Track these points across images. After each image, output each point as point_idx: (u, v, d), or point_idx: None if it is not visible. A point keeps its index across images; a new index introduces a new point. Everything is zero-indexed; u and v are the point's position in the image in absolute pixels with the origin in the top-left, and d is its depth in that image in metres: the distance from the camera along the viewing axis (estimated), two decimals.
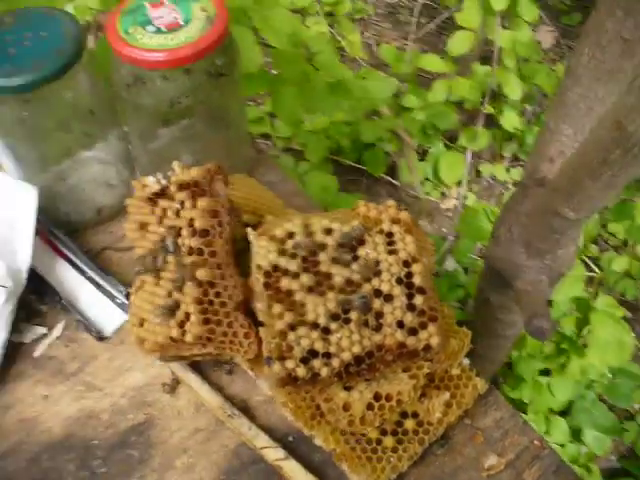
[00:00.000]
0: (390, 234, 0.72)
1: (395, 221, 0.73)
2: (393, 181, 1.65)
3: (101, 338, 0.83)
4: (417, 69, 1.60)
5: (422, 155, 1.77)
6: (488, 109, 1.63)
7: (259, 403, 0.78)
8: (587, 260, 1.14)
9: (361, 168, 1.67)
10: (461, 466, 0.75)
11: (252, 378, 0.79)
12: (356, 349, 0.66)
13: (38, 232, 0.86)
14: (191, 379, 0.78)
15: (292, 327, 0.67)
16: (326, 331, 0.67)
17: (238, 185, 0.85)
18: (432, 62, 1.55)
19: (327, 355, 0.66)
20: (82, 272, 0.86)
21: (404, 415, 0.72)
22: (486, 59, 1.61)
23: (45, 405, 0.79)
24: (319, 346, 0.66)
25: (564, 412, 1.39)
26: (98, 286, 0.85)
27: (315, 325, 0.67)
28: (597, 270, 1.13)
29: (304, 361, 0.65)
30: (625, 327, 1.10)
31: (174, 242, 0.75)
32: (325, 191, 1.42)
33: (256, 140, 0.99)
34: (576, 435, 1.41)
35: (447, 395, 0.72)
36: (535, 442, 0.76)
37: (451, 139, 1.79)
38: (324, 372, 0.65)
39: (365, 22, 1.95)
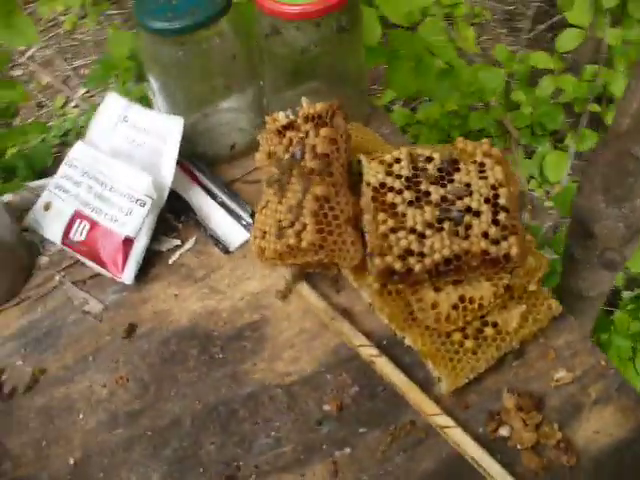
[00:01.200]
0: (482, 164, 0.82)
1: (487, 154, 0.83)
2: None
3: (226, 251, 0.96)
4: (529, 68, 1.69)
5: (529, 154, 1.85)
6: (593, 107, 1.70)
7: (359, 312, 0.89)
8: None
9: None
10: (533, 377, 0.83)
11: (355, 289, 0.90)
12: (446, 251, 0.76)
13: (179, 162, 1.02)
14: (301, 286, 0.90)
15: (393, 230, 0.78)
16: (422, 236, 0.78)
17: (355, 131, 0.98)
18: (541, 59, 1.63)
19: (421, 254, 0.77)
20: (214, 197, 1.00)
21: (485, 323, 0.82)
22: (600, 62, 1.68)
23: (175, 302, 0.93)
24: (415, 247, 0.77)
25: None
26: (227, 209, 0.99)
27: (413, 230, 0.78)
28: None
29: (401, 258, 0.76)
30: None
31: (298, 164, 0.88)
32: None
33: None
34: None
35: (523, 307, 0.81)
36: (602, 362, 0.84)
37: (559, 140, 1.86)
38: (417, 268, 0.76)
39: (482, 26, 2.06)
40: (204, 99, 1.01)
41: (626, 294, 1.54)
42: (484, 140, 0.85)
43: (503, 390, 0.82)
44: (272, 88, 1.01)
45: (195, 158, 1.03)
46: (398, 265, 0.76)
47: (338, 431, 0.81)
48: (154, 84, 0.98)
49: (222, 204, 0.99)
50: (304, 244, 0.84)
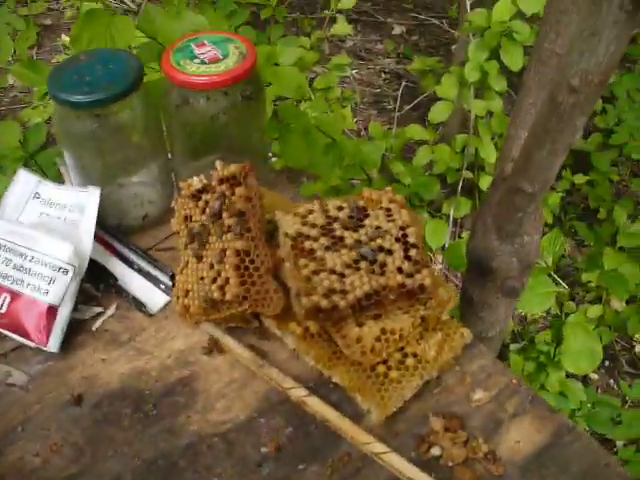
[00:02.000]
0: (389, 209, 0.91)
1: (392, 201, 0.92)
2: None
3: (149, 315, 0.99)
4: (404, 142, 1.83)
5: None
6: (467, 175, 1.86)
7: (284, 359, 0.94)
8: (556, 277, 1.31)
9: None
10: (454, 401, 0.90)
11: (278, 340, 0.95)
12: (366, 287, 0.83)
13: (95, 234, 1.05)
14: (227, 339, 0.94)
15: (315, 273, 0.84)
16: (342, 275, 0.84)
17: (263, 193, 1.05)
18: (415, 131, 1.78)
19: (343, 292, 0.83)
20: (130, 264, 1.03)
21: (405, 355, 0.88)
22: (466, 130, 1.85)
23: (103, 366, 0.94)
24: (337, 285, 0.83)
25: None
26: (144, 274, 1.02)
27: (333, 271, 0.84)
28: (565, 287, 1.31)
29: (326, 296, 0.83)
30: (596, 337, 1.26)
31: (216, 223, 0.93)
32: None
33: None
34: None
35: (439, 335, 0.89)
36: (513, 381, 0.92)
37: (436, 209, 2.00)
38: (342, 304, 0.82)
39: (353, 110, 2.21)
40: (116, 172, 1.05)
41: (513, 347, 1.65)
42: (387, 188, 0.93)
43: (429, 415, 0.88)
44: (181, 158, 1.07)
45: (109, 228, 1.06)
46: (324, 303, 0.82)
47: (278, 470, 0.85)
48: (68, 159, 1.02)
49: (139, 271, 1.03)
50: (228, 296, 0.89)
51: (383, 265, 0.85)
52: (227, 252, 0.91)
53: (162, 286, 1.02)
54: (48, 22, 3.12)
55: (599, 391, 1.88)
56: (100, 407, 0.90)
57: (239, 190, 0.93)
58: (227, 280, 0.90)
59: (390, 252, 0.86)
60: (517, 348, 1.69)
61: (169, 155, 1.10)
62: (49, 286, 0.94)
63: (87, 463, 0.85)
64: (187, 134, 1.02)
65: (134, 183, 1.08)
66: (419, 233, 0.90)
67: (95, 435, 0.88)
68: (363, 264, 0.85)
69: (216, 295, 0.90)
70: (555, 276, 1.30)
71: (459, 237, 2.05)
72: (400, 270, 0.85)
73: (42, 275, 0.95)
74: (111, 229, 1.07)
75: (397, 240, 0.87)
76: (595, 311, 1.72)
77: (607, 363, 1.97)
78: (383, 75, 2.33)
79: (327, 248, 0.87)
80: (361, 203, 0.91)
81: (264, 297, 0.90)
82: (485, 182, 1.88)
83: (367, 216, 0.90)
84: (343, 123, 1.80)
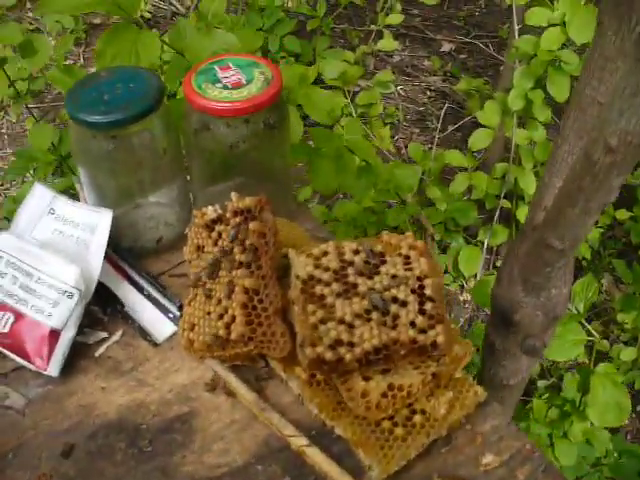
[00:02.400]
0: (407, 256, 0.86)
1: (412, 247, 0.87)
2: None
3: (154, 344, 0.96)
4: (442, 165, 1.78)
5: (443, 249, 1.93)
6: (505, 203, 1.80)
7: (287, 403, 0.90)
8: (588, 326, 1.25)
9: None
10: (462, 462, 0.85)
11: (283, 382, 0.91)
12: (375, 341, 0.79)
13: (106, 255, 1.02)
14: (230, 378, 0.91)
15: (322, 321, 0.80)
16: (351, 326, 0.80)
17: (280, 225, 1.01)
18: (454, 157, 1.72)
19: (351, 344, 0.79)
20: (141, 290, 1.00)
21: (413, 411, 0.84)
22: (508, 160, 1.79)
23: (102, 395, 0.92)
24: (344, 337, 0.79)
25: None
26: (154, 302, 0.99)
27: (342, 321, 0.80)
28: (597, 336, 1.25)
29: (332, 348, 0.78)
30: (624, 390, 1.20)
31: (227, 257, 0.89)
32: None
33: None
34: None
35: (450, 394, 0.84)
36: (527, 446, 0.86)
37: (472, 235, 1.95)
38: (348, 357, 0.78)
39: (395, 127, 2.16)
40: (132, 192, 1.02)
41: (541, 383, 1.59)
42: (408, 233, 0.89)
43: (433, 476, 0.83)
44: (199, 183, 1.04)
45: (121, 251, 1.03)
46: (329, 355, 0.78)
47: None
48: (83, 176, 0.99)
49: (149, 297, 1.00)
50: (233, 335, 0.85)
51: (396, 317, 0.81)
52: (236, 289, 0.88)
53: (170, 315, 0.98)
54: (97, 21, 3.13)
55: (628, 437, 1.80)
56: (95, 439, 0.87)
57: (253, 225, 0.89)
58: (234, 318, 0.87)
59: (404, 304, 0.82)
60: (544, 384, 1.63)
61: (188, 177, 1.06)
62: (53, 309, 0.92)
63: None
64: (206, 159, 0.99)
65: (151, 203, 1.05)
66: (438, 284, 0.85)
67: (86, 468, 0.85)
68: (374, 315, 0.81)
69: (221, 333, 0.87)
70: (585, 323, 1.24)
71: (494, 266, 1.99)
72: (413, 324, 0.80)
73: (47, 297, 0.92)
74: (123, 251, 1.04)
75: (413, 291, 0.83)
76: (629, 354, 1.65)
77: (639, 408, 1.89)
78: (428, 93, 2.27)
79: (338, 295, 0.83)
80: (379, 248, 0.87)
81: (270, 340, 0.87)
82: (523, 212, 1.82)
83: (384, 262, 0.86)
84: (381, 143, 1.75)
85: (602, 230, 1.93)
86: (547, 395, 1.50)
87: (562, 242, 0.84)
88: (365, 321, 0.80)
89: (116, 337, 0.97)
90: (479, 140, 1.58)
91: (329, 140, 1.28)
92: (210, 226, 0.93)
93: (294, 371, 0.87)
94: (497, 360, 1.10)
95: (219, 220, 0.92)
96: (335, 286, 0.83)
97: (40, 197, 1.02)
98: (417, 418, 0.83)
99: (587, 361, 1.29)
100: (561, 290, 0.95)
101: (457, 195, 1.72)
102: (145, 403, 0.91)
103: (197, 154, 0.99)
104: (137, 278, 1.01)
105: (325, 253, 0.87)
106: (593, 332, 1.26)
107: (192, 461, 0.86)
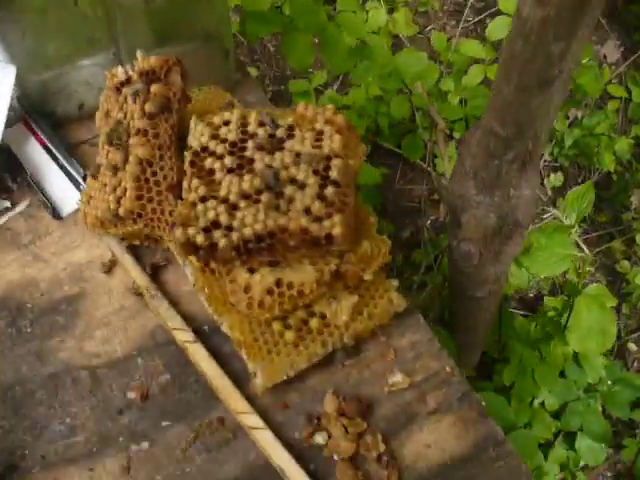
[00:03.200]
0: (321, 132, 0.73)
1: (329, 122, 0.74)
2: (428, 169, 1.64)
3: (57, 217, 0.86)
4: (466, 60, 1.59)
5: None
6: None
7: (185, 292, 0.80)
8: (581, 243, 1.09)
9: (400, 154, 1.67)
10: (366, 379, 0.74)
11: (182, 269, 0.81)
12: (258, 226, 0.66)
13: (24, 119, 0.92)
14: (126, 260, 0.81)
15: (203, 200, 0.68)
16: (234, 207, 0.68)
17: (207, 94, 0.88)
18: (471, 48, 1.53)
19: (229, 228, 0.67)
20: (55, 159, 0.90)
21: (311, 314, 0.72)
22: None
23: None
24: (223, 219, 0.67)
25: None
26: (67, 173, 0.89)
27: (225, 200, 0.68)
28: (587, 252, 1.09)
29: (206, 231, 0.67)
30: (610, 315, 1.05)
31: (124, 125, 0.78)
32: None
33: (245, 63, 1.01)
34: (569, 441, 1.35)
35: (355, 298, 0.71)
36: (447, 368, 0.74)
37: None
38: (222, 243, 0.66)
39: (429, 16, 1.96)
40: (62, 57, 0.91)
41: (548, 300, 1.44)
42: (329, 105, 0.75)
43: (327, 391, 0.72)
44: (127, 51, 0.91)
45: (40, 116, 0.92)
46: (200, 239, 0.66)
47: (139, 422, 0.72)
48: None
49: (62, 167, 0.89)
50: (121, 211, 0.75)
51: (290, 201, 0.68)
52: (129, 159, 0.76)
53: (82, 187, 0.88)
54: None
55: (635, 365, 1.64)
56: None
57: (154, 87, 0.77)
58: (125, 191, 0.76)
59: (303, 186, 0.69)
60: (551, 301, 1.48)
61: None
62: None
63: None
64: (129, 20, 0.86)
65: (84, 66, 0.93)
66: (352, 167, 0.72)
67: None
68: (265, 196, 0.68)
69: (112, 207, 0.76)
70: (576, 237, 1.08)
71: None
72: (308, 211, 0.68)
73: None
74: (43, 117, 0.93)
75: (315, 172, 0.70)
76: None
77: None
78: None
79: (230, 170, 0.70)
80: (289, 120, 0.74)
81: (159, 218, 0.76)
82: None
83: (292, 137, 0.72)
84: (394, 28, 1.57)
85: (632, 142, 1.72)
86: (552, 313, 1.36)
87: (503, 128, 0.69)
88: (252, 203, 0.68)
89: (20, 208, 0.88)
90: (497, 28, 1.39)
91: (309, 11, 1.13)
92: (119, 89, 0.81)
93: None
94: (458, 267, 0.97)
95: (127, 82, 0.81)
96: (228, 160, 0.71)
97: None
98: (313, 322, 0.72)
99: (577, 279, 1.14)
100: (522, 192, 0.80)
101: (472, 89, 1.54)
102: (36, 280, 0.82)
103: (119, 13, 0.86)
104: (51, 146, 0.91)
105: (227, 122, 0.74)
106: (584, 247, 1.10)
107: (70, 347, 0.77)
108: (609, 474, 1.44)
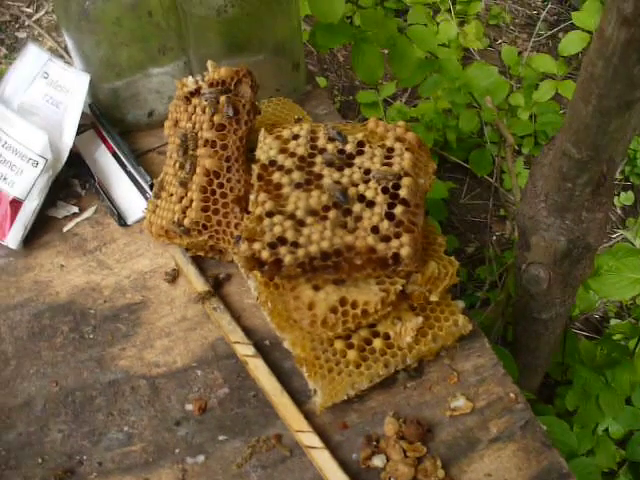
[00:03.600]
0: (391, 149, 0.71)
1: (399, 139, 0.72)
2: (495, 184, 1.61)
3: (123, 224, 0.87)
4: (538, 74, 1.56)
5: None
6: None
7: (247, 306, 0.79)
8: None
9: (467, 168, 1.65)
10: (428, 402, 0.72)
11: (246, 282, 0.80)
12: (325, 244, 0.65)
13: (94, 127, 0.93)
14: (189, 269, 0.81)
15: (270, 214, 0.68)
16: (301, 224, 0.67)
17: (277, 106, 0.88)
18: (542, 62, 1.50)
19: (295, 245, 0.66)
20: (123, 166, 0.91)
21: (375, 334, 0.71)
22: None
23: (59, 273, 0.84)
24: (290, 235, 0.66)
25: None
26: (135, 181, 0.90)
27: (292, 216, 0.67)
28: None
29: (272, 246, 0.66)
30: None
31: (193, 135, 0.78)
32: None
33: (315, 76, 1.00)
34: (634, 471, 1.30)
35: (420, 320, 0.70)
36: (510, 395, 0.72)
37: None
38: (287, 259, 0.65)
39: (500, 29, 1.92)
40: (134, 65, 0.92)
41: (614, 322, 1.40)
42: (400, 122, 0.74)
43: (387, 413, 0.71)
44: (197, 61, 0.91)
45: (111, 124, 0.93)
46: (265, 254, 0.65)
47: (196, 435, 0.72)
48: (68, 41, 0.89)
49: (130, 175, 0.90)
50: (186, 222, 0.75)
51: (358, 219, 0.67)
52: (197, 170, 0.76)
53: (148, 195, 0.89)
54: None
55: None
56: (40, 318, 0.81)
57: (224, 98, 0.77)
58: (192, 203, 0.76)
59: (371, 204, 0.68)
60: (618, 324, 1.43)
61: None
62: (16, 177, 0.84)
63: (6, 377, 0.77)
64: (199, 29, 0.86)
65: (154, 74, 0.94)
66: (422, 187, 0.70)
67: (25, 348, 0.79)
68: (332, 213, 0.67)
69: (177, 218, 0.77)
70: None
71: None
72: (376, 230, 0.66)
73: (11, 164, 0.85)
74: (115, 124, 0.94)
75: (385, 191, 0.68)
76: None
77: None
78: None
79: (298, 185, 0.70)
80: (359, 136, 0.72)
81: (224, 230, 0.75)
82: None
83: (361, 153, 0.71)
84: (464, 41, 1.55)
85: None
86: (618, 336, 1.31)
87: (579, 150, 0.66)
88: (320, 219, 0.67)
89: (88, 214, 0.89)
90: (571, 44, 1.35)
91: (379, 24, 1.12)
92: (189, 98, 0.81)
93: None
94: (526, 289, 0.94)
95: (197, 92, 0.81)
96: (296, 175, 0.70)
97: (34, 59, 0.93)
98: (377, 343, 0.70)
99: None
100: (594, 215, 0.78)
101: (543, 104, 1.50)
102: (100, 287, 0.83)
103: (191, 24, 0.86)
104: (120, 153, 0.91)
105: (296, 136, 0.73)
106: None
107: (131, 355, 0.77)
108: None
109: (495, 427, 0.70)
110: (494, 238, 1.64)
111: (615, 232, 1.67)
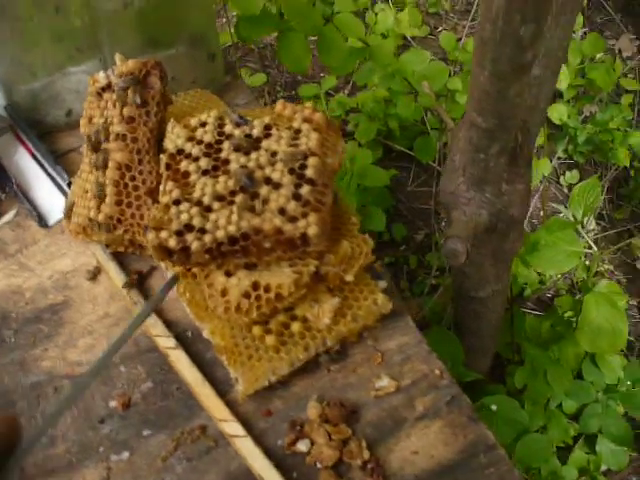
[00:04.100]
0: (298, 131, 0.71)
1: (307, 120, 0.72)
2: (439, 169, 1.61)
3: (44, 226, 0.85)
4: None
5: None
6: None
7: (168, 299, 0.78)
8: (587, 238, 1.05)
9: (412, 156, 1.65)
10: (352, 384, 0.71)
11: (166, 275, 0.79)
12: (232, 228, 0.65)
13: (12, 128, 0.92)
14: (110, 267, 0.79)
15: (177, 202, 0.67)
16: (208, 209, 0.66)
17: (193, 97, 0.87)
18: None
19: (202, 231, 0.65)
20: (43, 167, 0.89)
21: (292, 318, 0.70)
22: None
23: None
24: (196, 222, 0.65)
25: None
26: (54, 181, 0.88)
27: (199, 203, 0.66)
28: (595, 249, 1.05)
29: (179, 234, 0.65)
30: (622, 314, 1.01)
31: (105, 130, 0.77)
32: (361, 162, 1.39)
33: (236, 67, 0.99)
34: (590, 444, 1.31)
35: (336, 300, 0.69)
36: (435, 371, 0.72)
37: None
38: (195, 246, 0.64)
39: (441, 17, 1.93)
40: (47, 63, 0.90)
41: (561, 299, 1.40)
42: (307, 103, 0.73)
43: (311, 397, 0.70)
44: (111, 57, 0.90)
45: (30, 125, 0.92)
46: (172, 242, 0.64)
47: (120, 432, 0.71)
48: None
49: (50, 176, 0.89)
50: (101, 217, 0.74)
51: (265, 202, 0.66)
52: (109, 164, 0.75)
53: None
54: None
55: None
56: None
57: (131, 91, 0.76)
58: (105, 197, 0.75)
59: (278, 186, 0.67)
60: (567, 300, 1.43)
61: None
62: None
63: None
64: (112, 24, 0.85)
65: (72, 73, 0.93)
66: (330, 166, 0.70)
67: None
68: (239, 198, 0.66)
69: (92, 214, 0.75)
70: (583, 233, 1.04)
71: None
72: (283, 212, 0.66)
73: None
74: (34, 125, 0.93)
75: (291, 172, 0.68)
76: None
77: None
78: None
79: (205, 172, 0.69)
80: (267, 120, 0.72)
81: (139, 223, 0.74)
82: (555, 112, 1.59)
83: (269, 136, 0.71)
84: (399, 28, 1.55)
85: None
86: (569, 313, 1.32)
87: (485, 119, 0.66)
88: (227, 204, 0.66)
89: (8, 217, 0.88)
90: None
91: (304, 13, 1.11)
92: (100, 94, 0.80)
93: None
94: (459, 267, 0.94)
95: (108, 87, 0.80)
96: (203, 162, 0.69)
97: None
98: (295, 326, 0.70)
99: (585, 277, 1.10)
100: (514, 186, 0.78)
101: None
102: (21, 289, 0.81)
103: (101, 18, 0.85)
104: (38, 155, 0.90)
105: (203, 124, 0.72)
106: (592, 244, 1.06)
107: (53, 356, 0.76)
108: (634, 479, 1.39)
109: (421, 404, 0.70)
110: (443, 224, 1.64)
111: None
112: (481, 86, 0.62)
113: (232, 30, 1.27)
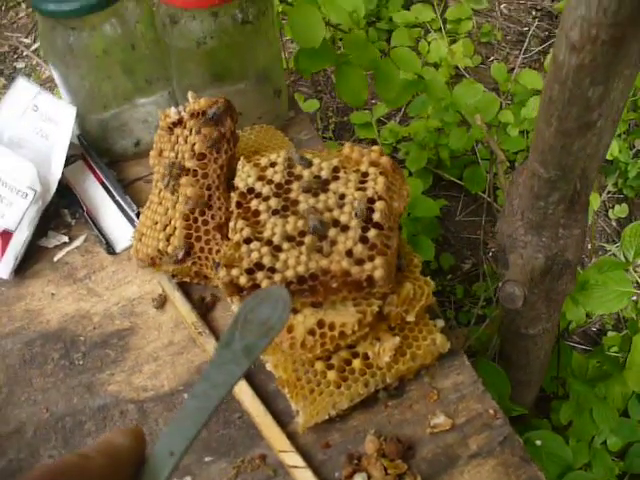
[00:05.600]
0: (365, 174, 0.73)
1: (374, 164, 0.74)
2: (489, 199, 1.62)
3: (111, 253, 0.89)
4: (529, 89, 1.57)
5: None
6: None
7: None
8: (637, 277, 1.06)
9: (461, 185, 1.66)
10: (408, 420, 0.73)
11: (230, 307, 0.82)
12: (301, 268, 0.67)
13: (83, 157, 0.96)
14: (175, 295, 0.82)
15: (248, 241, 0.69)
16: (278, 249, 0.69)
17: (259, 133, 0.90)
18: (530, 78, 1.51)
19: (272, 270, 0.68)
20: (111, 195, 0.93)
21: (354, 355, 0.72)
22: None
23: (50, 301, 0.86)
24: (267, 261, 0.68)
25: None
26: (122, 209, 0.92)
27: (269, 242, 0.69)
28: None
29: (249, 272, 0.68)
30: None
31: (177, 164, 0.80)
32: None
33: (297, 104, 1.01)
34: None
35: (397, 339, 0.71)
36: (490, 411, 0.73)
37: None
38: (264, 284, 0.67)
39: (492, 47, 1.95)
40: (119, 96, 0.94)
41: (611, 335, 1.41)
42: (375, 147, 0.76)
43: (368, 432, 0.72)
44: (181, 91, 0.94)
45: (99, 154, 0.96)
46: (243, 280, 0.67)
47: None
48: (55, 74, 0.92)
49: (118, 204, 0.92)
50: (170, 249, 0.77)
51: (333, 243, 0.69)
52: (179, 198, 0.79)
53: (135, 224, 0.91)
54: None
55: None
56: (31, 346, 0.83)
57: (205, 129, 0.79)
58: (175, 230, 0.78)
59: (345, 229, 0.69)
60: (617, 336, 1.43)
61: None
62: (6, 209, 0.87)
63: None
64: (181, 60, 0.89)
65: (140, 105, 0.97)
66: (396, 210, 0.72)
67: (16, 376, 0.81)
68: (308, 239, 0.69)
69: (161, 246, 0.79)
70: (634, 273, 1.05)
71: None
72: (350, 254, 0.68)
73: (1, 196, 0.87)
74: (102, 154, 0.97)
75: (358, 215, 0.70)
76: None
77: None
78: (534, 12, 2.02)
79: (275, 212, 0.72)
80: (335, 162, 0.74)
81: (207, 257, 0.77)
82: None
83: (337, 179, 0.73)
84: (452, 59, 1.57)
85: None
86: (615, 349, 1.32)
87: (547, 170, 0.68)
88: (296, 245, 0.69)
89: (77, 242, 0.92)
90: None
91: (361, 47, 1.14)
92: (172, 129, 0.84)
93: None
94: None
95: (180, 122, 0.83)
96: (273, 202, 0.72)
97: (24, 92, 0.96)
98: (356, 363, 0.72)
99: (635, 317, 1.11)
100: (571, 231, 0.79)
101: (532, 120, 1.51)
102: (89, 314, 0.85)
103: (173, 54, 0.89)
104: (108, 183, 0.94)
105: (273, 164, 0.75)
106: None
107: (119, 380, 0.79)
108: None
109: (474, 443, 0.72)
110: (490, 254, 1.65)
111: (612, 244, 1.68)
112: (546, 141, 0.64)
113: (287, 59, 1.31)
